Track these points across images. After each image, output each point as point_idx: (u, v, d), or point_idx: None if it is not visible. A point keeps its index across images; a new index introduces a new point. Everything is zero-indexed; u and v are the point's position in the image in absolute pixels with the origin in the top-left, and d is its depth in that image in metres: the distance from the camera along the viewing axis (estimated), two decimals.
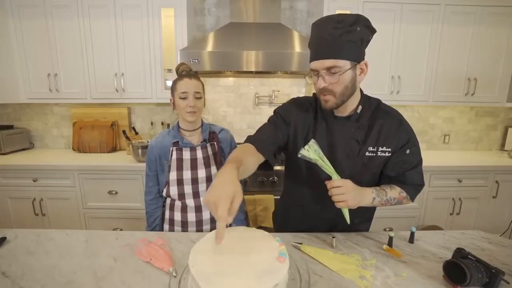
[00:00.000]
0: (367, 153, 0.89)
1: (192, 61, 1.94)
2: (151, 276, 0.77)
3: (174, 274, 0.76)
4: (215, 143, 1.20)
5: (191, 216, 1.17)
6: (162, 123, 2.56)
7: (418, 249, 0.93)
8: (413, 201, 0.97)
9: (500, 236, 1.22)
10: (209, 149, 1.18)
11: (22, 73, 2.21)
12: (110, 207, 2.07)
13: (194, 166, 1.15)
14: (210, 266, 0.62)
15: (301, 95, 2.55)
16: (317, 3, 2.32)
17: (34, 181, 2.04)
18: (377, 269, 0.81)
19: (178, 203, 1.18)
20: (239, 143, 1.05)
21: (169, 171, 1.15)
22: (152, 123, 2.56)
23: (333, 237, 0.95)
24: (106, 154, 2.40)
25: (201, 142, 1.19)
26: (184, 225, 1.18)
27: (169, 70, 2.19)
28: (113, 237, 0.99)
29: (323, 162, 0.80)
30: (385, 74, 2.22)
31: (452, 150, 2.69)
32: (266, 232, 0.78)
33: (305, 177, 0.97)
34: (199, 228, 1.17)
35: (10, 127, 2.48)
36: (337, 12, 2.12)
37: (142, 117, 2.59)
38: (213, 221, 1.18)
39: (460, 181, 2.12)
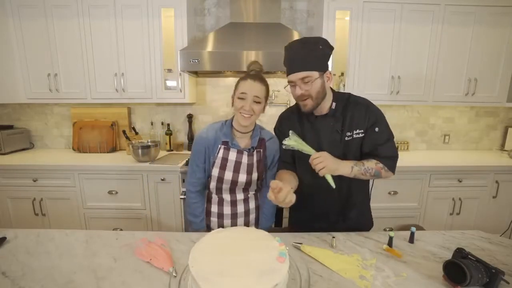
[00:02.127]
0: (346, 138, 1.06)
1: (192, 61, 1.94)
2: (151, 276, 0.78)
3: (174, 274, 0.76)
4: (261, 150, 1.17)
5: (227, 209, 1.20)
6: (162, 123, 2.56)
7: (418, 249, 0.93)
8: (393, 173, 1.07)
9: (500, 236, 1.22)
10: (255, 156, 1.16)
11: (22, 73, 2.21)
12: (110, 207, 2.07)
13: (236, 169, 1.14)
14: (210, 266, 0.62)
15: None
16: (317, 3, 2.32)
17: (34, 181, 2.04)
18: (377, 269, 0.81)
19: (215, 197, 1.21)
20: None
21: (212, 166, 1.15)
22: (152, 123, 2.56)
23: (333, 237, 0.95)
24: (106, 154, 2.40)
25: (249, 148, 1.16)
26: (220, 217, 1.20)
27: (169, 70, 2.19)
28: (113, 237, 0.99)
29: (304, 146, 0.98)
30: (385, 74, 2.22)
31: (452, 150, 2.69)
32: (266, 232, 0.78)
33: (304, 169, 1.12)
34: (234, 220, 1.20)
35: (10, 127, 2.48)
36: (337, 12, 2.13)
37: (142, 117, 2.59)
38: (247, 214, 1.22)
39: (460, 181, 2.12)
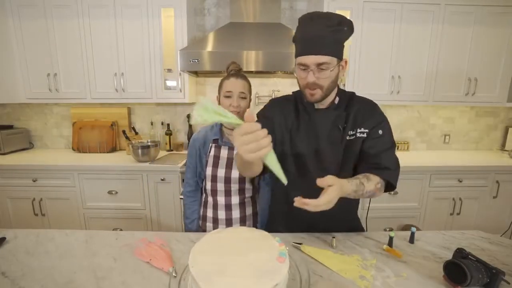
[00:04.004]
0: (347, 137, 0.93)
1: (192, 61, 1.94)
2: (151, 276, 0.77)
3: (174, 274, 0.76)
4: None
5: (221, 214, 1.19)
6: (162, 123, 2.56)
7: (418, 249, 0.93)
8: (394, 188, 0.93)
9: (501, 236, 1.21)
10: None
11: (22, 73, 2.20)
12: (110, 207, 2.07)
13: (229, 166, 1.16)
14: (210, 266, 0.62)
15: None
16: (317, 3, 2.32)
17: (34, 181, 2.04)
18: (377, 269, 0.81)
19: (210, 200, 1.21)
20: None
21: (206, 166, 1.18)
22: (152, 123, 2.56)
23: (333, 237, 0.95)
24: (106, 154, 2.39)
25: None
26: (215, 222, 1.20)
27: (169, 70, 2.19)
28: (113, 237, 0.99)
29: (223, 117, 0.60)
30: (385, 74, 2.22)
31: (452, 150, 2.69)
32: (266, 232, 0.78)
33: (294, 173, 0.97)
34: (229, 226, 1.19)
35: (10, 127, 2.48)
36: (337, 12, 2.11)
37: (142, 117, 2.58)
38: (243, 220, 1.21)
39: (461, 181, 2.12)
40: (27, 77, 2.21)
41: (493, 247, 0.95)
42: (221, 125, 1.21)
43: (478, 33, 2.19)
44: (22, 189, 2.05)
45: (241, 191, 1.20)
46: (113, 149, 2.48)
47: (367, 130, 0.92)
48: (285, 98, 1.03)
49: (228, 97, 1.12)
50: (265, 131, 0.59)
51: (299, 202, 0.71)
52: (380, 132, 0.92)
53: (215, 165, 1.17)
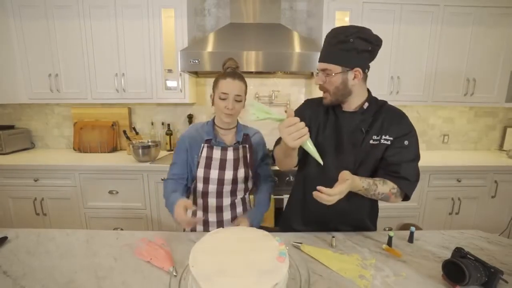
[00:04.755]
0: (371, 141, 0.96)
1: (192, 62, 1.94)
2: (151, 276, 0.78)
3: (174, 273, 0.77)
4: (247, 145, 1.17)
5: (212, 216, 1.16)
6: (163, 123, 2.57)
7: (418, 249, 0.94)
8: (409, 198, 0.98)
9: (499, 235, 1.22)
10: (240, 151, 1.15)
11: (23, 73, 2.21)
12: (110, 207, 2.07)
13: (222, 167, 1.12)
14: (211, 266, 0.63)
15: (301, 95, 2.56)
16: (317, 3, 2.33)
17: (35, 181, 2.04)
18: (376, 269, 0.82)
19: (200, 202, 1.17)
20: None
21: (197, 167, 1.13)
22: (152, 123, 2.56)
23: (333, 237, 0.96)
24: (107, 154, 2.40)
25: (234, 143, 1.16)
26: (206, 224, 1.17)
27: (170, 71, 2.19)
28: (113, 237, 0.99)
29: (270, 114, 0.81)
30: (384, 74, 2.22)
31: (451, 150, 2.70)
32: (266, 232, 0.78)
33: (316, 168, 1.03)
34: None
35: (11, 127, 2.48)
36: (337, 12, 2.13)
37: (143, 117, 2.59)
38: (233, 221, 1.17)
39: (459, 181, 2.13)
40: (28, 78, 2.21)
41: (492, 246, 0.96)
42: (214, 124, 1.17)
43: (477, 34, 2.20)
44: (23, 189, 2.05)
45: (233, 192, 1.17)
46: (114, 149, 2.49)
47: (391, 138, 0.95)
48: (319, 99, 1.08)
49: (224, 99, 1.07)
50: (303, 123, 0.77)
51: (316, 194, 0.80)
52: (406, 142, 0.95)
53: (208, 166, 1.12)
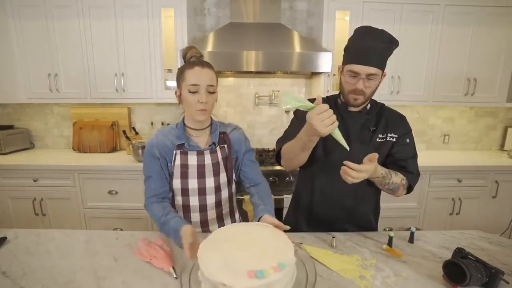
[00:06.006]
0: (377, 139, 1.02)
1: None
2: (151, 276, 0.78)
3: (174, 274, 0.76)
4: (225, 146, 1.03)
5: (198, 230, 1.04)
6: (162, 123, 2.56)
7: (418, 249, 0.93)
8: (411, 191, 1.04)
9: (500, 236, 1.22)
10: (219, 153, 1.01)
11: (23, 73, 2.21)
12: (110, 207, 2.07)
13: (201, 174, 0.98)
14: (217, 261, 0.64)
15: (301, 95, 2.56)
16: (317, 3, 2.32)
17: (35, 181, 2.04)
18: (377, 269, 0.81)
19: (181, 214, 1.03)
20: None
21: (172, 178, 1.00)
22: (152, 123, 2.56)
23: (333, 237, 0.96)
24: (106, 154, 2.40)
25: (210, 145, 1.01)
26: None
27: (169, 70, 2.19)
28: (113, 237, 0.99)
29: (303, 102, 0.79)
30: None
31: (452, 150, 2.69)
32: (273, 227, 0.79)
33: (323, 162, 1.06)
34: None
35: (11, 127, 2.48)
36: (337, 12, 2.12)
37: (142, 117, 2.59)
38: None
39: (460, 181, 2.13)
40: (28, 77, 2.21)
41: (493, 246, 0.95)
42: (184, 125, 1.01)
43: (478, 34, 2.19)
44: (22, 189, 2.05)
45: (218, 203, 1.03)
46: (114, 149, 2.48)
47: (396, 136, 1.03)
48: (326, 99, 1.10)
49: (194, 92, 0.90)
50: (332, 110, 0.77)
51: (344, 169, 0.82)
52: (408, 140, 1.04)
53: (184, 175, 0.98)
